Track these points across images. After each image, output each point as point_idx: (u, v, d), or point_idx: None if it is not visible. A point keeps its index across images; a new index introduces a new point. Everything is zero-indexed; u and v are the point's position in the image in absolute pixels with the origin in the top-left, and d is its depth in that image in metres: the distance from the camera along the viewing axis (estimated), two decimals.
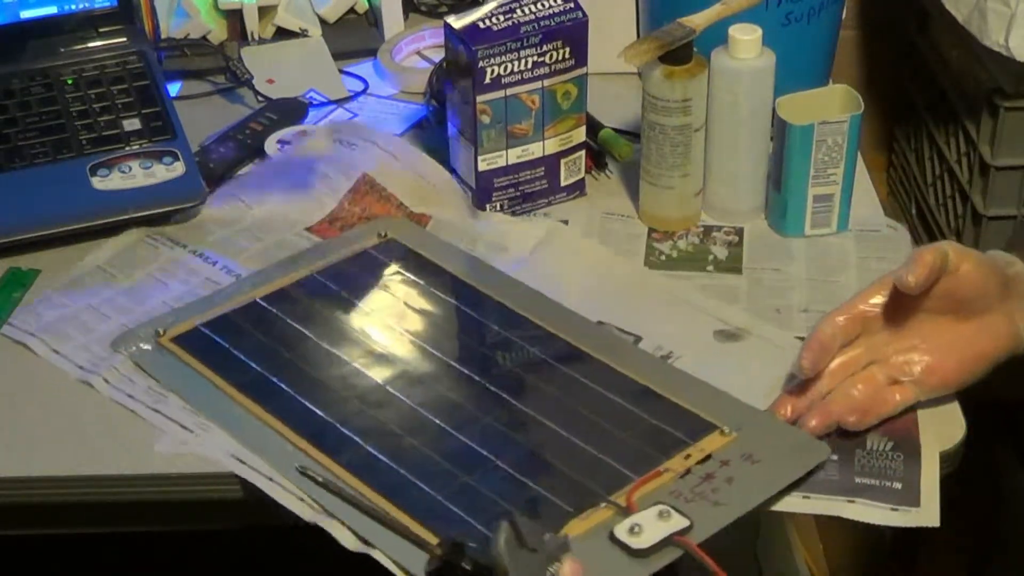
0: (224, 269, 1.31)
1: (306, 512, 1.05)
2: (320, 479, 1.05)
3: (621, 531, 0.99)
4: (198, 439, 1.11)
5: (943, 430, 1.12)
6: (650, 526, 0.99)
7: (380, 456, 1.08)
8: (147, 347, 1.20)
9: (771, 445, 1.08)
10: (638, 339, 1.20)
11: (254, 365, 1.18)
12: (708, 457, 1.06)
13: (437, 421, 1.11)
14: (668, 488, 1.03)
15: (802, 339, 1.14)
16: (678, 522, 0.99)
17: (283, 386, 1.16)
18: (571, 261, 1.30)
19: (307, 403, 1.14)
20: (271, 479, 1.07)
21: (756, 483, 1.04)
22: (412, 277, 1.28)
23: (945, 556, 1.88)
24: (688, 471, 1.05)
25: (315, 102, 1.56)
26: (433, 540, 0.99)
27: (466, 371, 1.17)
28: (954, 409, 1.14)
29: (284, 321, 1.23)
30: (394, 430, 1.11)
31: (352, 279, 1.29)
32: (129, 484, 1.10)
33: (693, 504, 1.02)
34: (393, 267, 1.30)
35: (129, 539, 1.59)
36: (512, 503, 1.03)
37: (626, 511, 1.01)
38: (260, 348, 1.20)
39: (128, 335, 1.22)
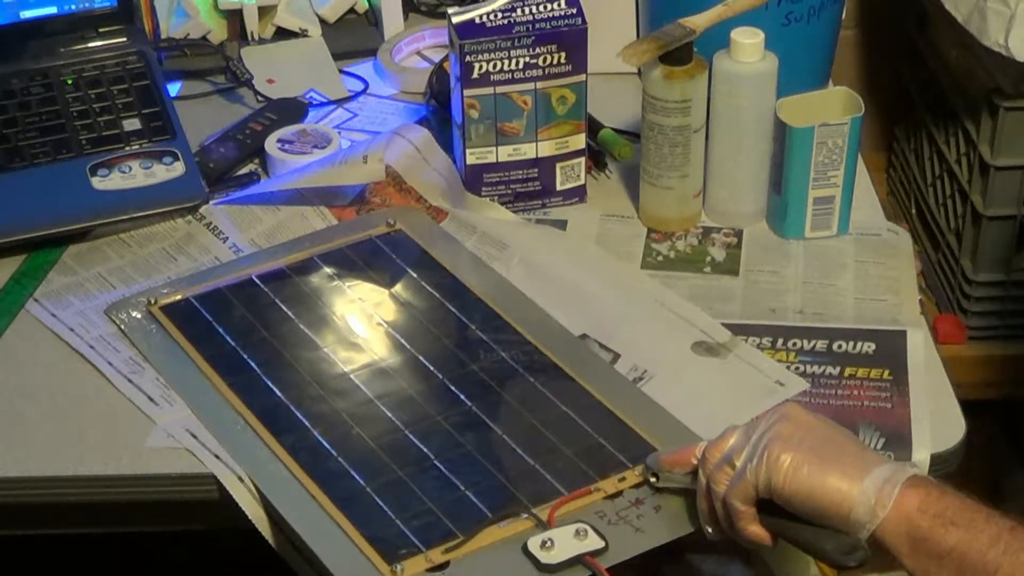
0: (233, 247, 1.33)
1: (244, 497, 1.06)
2: None
3: (534, 544, 0.99)
4: (184, 435, 1.12)
5: (941, 431, 1.12)
6: (563, 543, 0.99)
7: (323, 442, 1.09)
8: (136, 315, 1.23)
9: None
10: (616, 356, 1.19)
11: (230, 340, 1.20)
12: (644, 482, 1.05)
13: (388, 414, 1.12)
14: (594, 508, 1.03)
15: (786, 363, 1.13)
16: (593, 542, 0.99)
17: (251, 363, 1.17)
18: (571, 265, 1.30)
19: (268, 382, 1.15)
20: (217, 456, 1.09)
21: (683, 514, 1.03)
22: (408, 270, 1.28)
23: None
24: (620, 493, 1.04)
25: (315, 102, 1.56)
26: (349, 528, 1.00)
27: (431, 368, 1.17)
28: (954, 410, 1.14)
29: (271, 300, 1.24)
30: (345, 419, 1.12)
31: (349, 265, 1.29)
32: (128, 484, 1.10)
33: (615, 527, 1.01)
34: (392, 258, 1.30)
35: (129, 539, 1.58)
36: (436, 502, 1.03)
37: (545, 525, 1.01)
38: (241, 324, 1.22)
39: (121, 303, 1.25)
